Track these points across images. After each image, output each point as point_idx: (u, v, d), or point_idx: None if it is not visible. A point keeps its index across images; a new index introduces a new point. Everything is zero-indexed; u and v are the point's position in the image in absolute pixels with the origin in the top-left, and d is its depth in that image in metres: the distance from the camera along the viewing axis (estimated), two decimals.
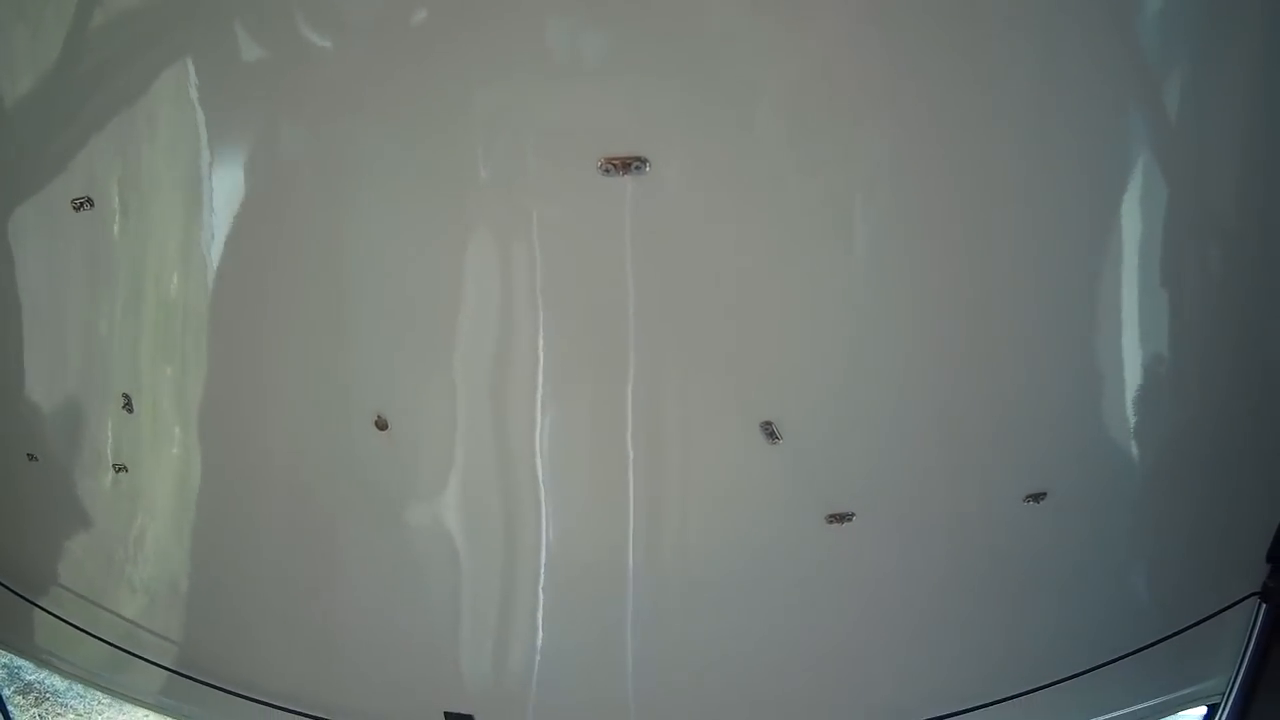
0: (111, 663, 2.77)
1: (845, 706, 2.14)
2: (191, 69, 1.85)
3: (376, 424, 1.92)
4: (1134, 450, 2.00)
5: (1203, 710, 2.43)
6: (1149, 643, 2.18)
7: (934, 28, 1.60)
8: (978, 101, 1.68)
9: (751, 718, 2.14)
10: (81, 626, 2.73)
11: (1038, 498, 1.93)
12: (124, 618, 2.63)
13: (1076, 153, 1.78)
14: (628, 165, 1.56)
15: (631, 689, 2.07)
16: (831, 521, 1.89)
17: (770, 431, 1.78)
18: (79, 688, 6.25)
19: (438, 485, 1.99)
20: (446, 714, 2.16)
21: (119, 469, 2.26)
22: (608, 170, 1.56)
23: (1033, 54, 1.68)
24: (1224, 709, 2.37)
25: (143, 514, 2.33)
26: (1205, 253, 1.98)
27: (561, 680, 2.10)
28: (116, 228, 2.00)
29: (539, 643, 2.06)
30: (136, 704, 3.19)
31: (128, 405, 2.14)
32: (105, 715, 6.24)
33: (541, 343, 1.80)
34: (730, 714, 2.13)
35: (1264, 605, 2.31)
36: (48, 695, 6.34)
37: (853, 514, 1.89)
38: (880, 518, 1.91)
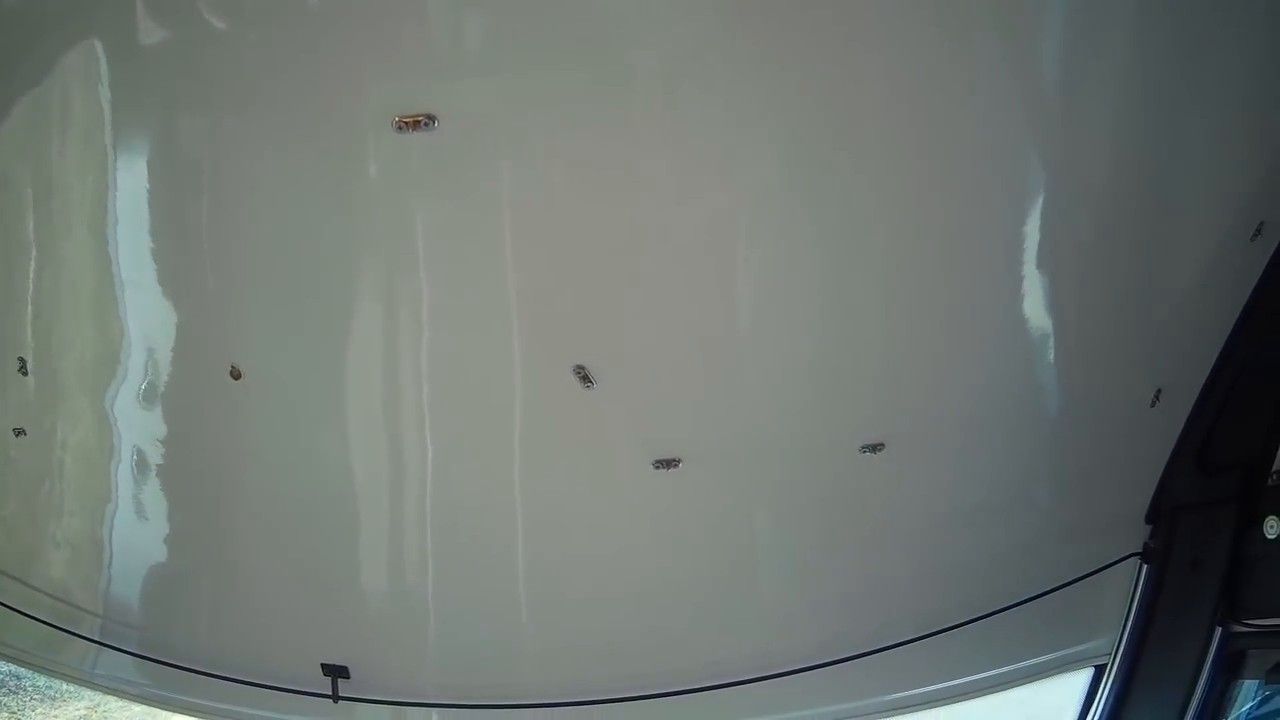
0: (48, 642, 2.80)
1: (687, 655, 2.20)
2: (100, 51, 1.91)
3: (231, 374, 1.99)
4: (995, 407, 2.05)
5: (1089, 671, 2.49)
6: (1022, 599, 2.24)
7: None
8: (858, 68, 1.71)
9: (614, 659, 2.21)
10: (12, 605, 2.77)
11: (875, 449, 1.98)
12: (47, 593, 2.68)
13: (947, 119, 1.81)
14: (417, 123, 1.67)
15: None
16: (659, 467, 1.94)
17: (584, 376, 1.84)
18: (41, 681, 6.27)
19: (323, 436, 2.05)
20: (323, 665, 2.23)
21: (19, 432, 2.31)
22: (400, 128, 1.67)
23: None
24: (1110, 670, 2.43)
25: (49, 477, 2.38)
26: (1079, 221, 2.03)
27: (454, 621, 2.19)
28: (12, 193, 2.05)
29: (429, 590, 2.14)
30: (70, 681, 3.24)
31: (22, 368, 2.19)
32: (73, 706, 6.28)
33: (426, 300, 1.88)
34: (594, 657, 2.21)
35: (1145, 566, 2.38)
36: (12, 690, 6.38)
37: (678, 460, 1.94)
38: (708, 464, 1.95)
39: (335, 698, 2.23)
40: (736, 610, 2.19)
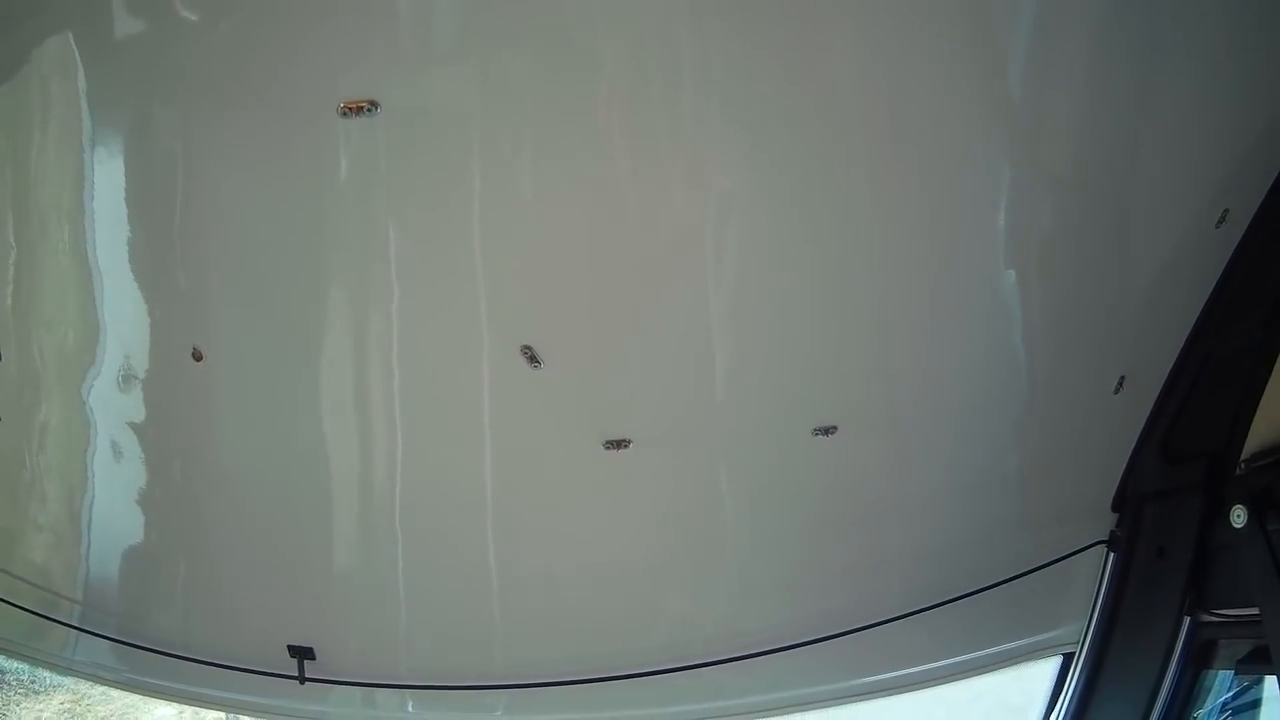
0: (29, 630, 2.83)
1: (654, 636, 2.22)
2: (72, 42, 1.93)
3: (193, 355, 2.02)
4: (957, 392, 2.06)
5: (1058, 660, 2.49)
6: (988, 584, 2.25)
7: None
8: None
9: (583, 640, 2.25)
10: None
11: (828, 431, 1.98)
12: (27, 580, 2.70)
13: (910, 108, 1.82)
14: (360, 109, 1.71)
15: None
16: (609, 448, 1.96)
17: (531, 356, 1.86)
18: (25, 675, 6.30)
19: (291, 422, 2.07)
20: (289, 647, 2.26)
21: None
22: (345, 114, 1.71)
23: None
24: (1079, 657, 2.43)
25: (28, 465, 2.41)
26: (1043, 208, 2.03)
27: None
28: None
29: (398, 572, 2.15)
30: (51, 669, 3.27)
31: None
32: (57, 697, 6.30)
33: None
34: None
35: (1111, 553, 2.38)
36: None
37: (628, 441, 1.95)
38: (659, 446, 1.96)
39: (301, 679, 2.26)
40: (703, 592, 2.21)
